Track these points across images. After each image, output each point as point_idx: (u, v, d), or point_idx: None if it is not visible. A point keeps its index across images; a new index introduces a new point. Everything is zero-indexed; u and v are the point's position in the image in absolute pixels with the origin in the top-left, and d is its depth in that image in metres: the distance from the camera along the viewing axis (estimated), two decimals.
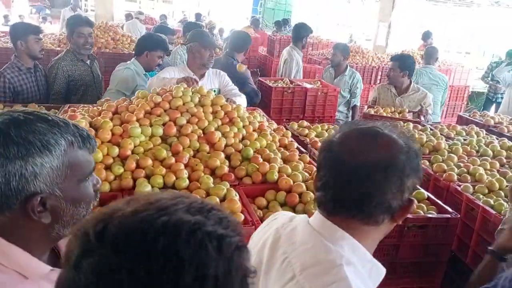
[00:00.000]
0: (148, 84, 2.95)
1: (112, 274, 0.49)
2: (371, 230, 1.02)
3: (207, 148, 2.28)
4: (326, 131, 3.13)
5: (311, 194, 1.99)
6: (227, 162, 2.22)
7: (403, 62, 4.05)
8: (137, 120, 2.28)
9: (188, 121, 2.38)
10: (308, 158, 2.46)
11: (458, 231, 2.22)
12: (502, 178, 2.32)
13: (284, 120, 4.33)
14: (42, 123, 0.90)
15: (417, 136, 2.94)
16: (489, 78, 7.40)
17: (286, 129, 3.07)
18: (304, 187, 2.04)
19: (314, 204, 1.94)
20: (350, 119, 4.75)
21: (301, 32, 5.23)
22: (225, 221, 0.57)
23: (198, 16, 11.60)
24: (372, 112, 3.84)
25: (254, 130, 2.60)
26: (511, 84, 4.97)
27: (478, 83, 8.78)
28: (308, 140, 2.90)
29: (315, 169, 2.28)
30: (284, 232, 1.10)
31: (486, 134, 3.29)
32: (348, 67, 4.85)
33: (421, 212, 1.99)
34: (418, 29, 9.32)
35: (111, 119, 2.29)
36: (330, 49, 7.59)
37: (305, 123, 3.25)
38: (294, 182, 2.06)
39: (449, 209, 2.01)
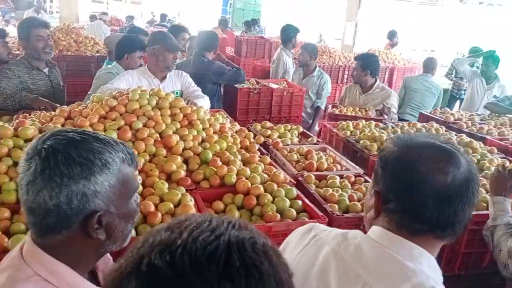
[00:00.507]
0: (98, 91, 2.87)
1: None
2: (441, 242, 1.03)
3: (164, 152, 2.23)
4: (289, 131, 3.12)
5: (269, 196, 1.97)
6: (184, 166, 2.18)
7: (365, 62, 4.11)
8: (91, 125, 2.20)
9: (144, 125, 2.32)
10: (268, 160, 2.44)
11: None
12: None
13: (251, 121, 4.32)
14: (97, 142, 0.93)
15: (377, 134, 2.97)
16: (453, 75, 7.60)
17: (249, 130, 3.06)
18: (262, 189, 2.01)
19: (272, 206, 1.92)
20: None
21: (289, 33, 5.30)
22: (260, 232, 0.62)
23: (163, 16, 11.46)
24: (337, 112, 3.87)
25: (214, 132, 2.57)
26: (472, 79, 5.10)
27: (443, 80, 9.01)
28: (270, 141, 2.88)
29: (274, 170, 2.27)
30: (346, 253, 1.01)
31: (445, 130, 3.36)
32: (317, 68, 4.85)
33: None
34: (385, 28, 9.47)
35: (63, 125, 2.21)
36: (298, 49, 7.65)
37: (268, 124, 3.23)
38: (252, 185, 2.04)
39: None
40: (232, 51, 7.44)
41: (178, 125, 2.43)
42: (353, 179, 2.35)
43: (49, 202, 0.87)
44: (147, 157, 2.16)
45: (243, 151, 2.49)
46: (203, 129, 2.54)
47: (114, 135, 2.17)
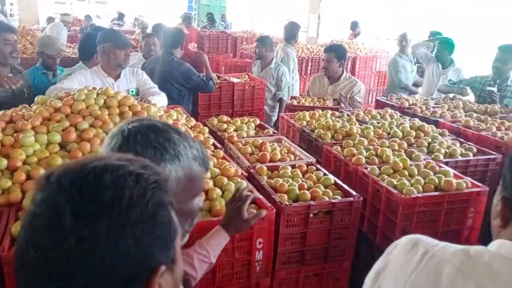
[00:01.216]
0: (46, 93, 2.79)
1: (55, 202, 0.60)
2: None
3: None
4: (246, 124, 3.11)
5: (217, 190, 1.96)
6: None
7: (339, 52, 4.13)
8: (33, 128, 2.13)
9: (91, 125, 2.26)
10: (221, 154, 2.43)
11: (368, 213, 2.28)
12: (406, 158, 2.41)
13: (214, 116, 4.29)
14: (176, 134, 0.98)
15: (331, 123, 2.99)
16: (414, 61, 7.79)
17: (205, 125, 3.04)
18: (211, 183, 2.00)
19: (220, 200, 1.91)
20: (277, 112, 4.79)
21: (292, 30, 5.47)
22: (149, 167, 0.66)
23: (121, 16, 11.23)
24: (295, 103, 3.88)
25: None
26: (429, 64, 5.21)
27: None
28: (226, 135, 2.87)
29: (226, 163, 2.26)
30: (476, 273, 0.87)
31: (400, 116, 3.42)
32: (274, 59, 4.87)
33: (326, 197, 2.02)
34: (348, 19, 9.56)
35: (4, 129, 2.13)
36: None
37: (225, 118, 3.20)
38: None
39: (353, 193, 2.06)
40: (195, 47, 7.36)
41: None
42: (305, 168, 2.36)
43: None
44: None
45: None
46: None
47: (58, 137, 2.11)
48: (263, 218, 1.80)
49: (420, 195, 2.06)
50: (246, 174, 2.22)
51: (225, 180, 2.05)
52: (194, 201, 1.02)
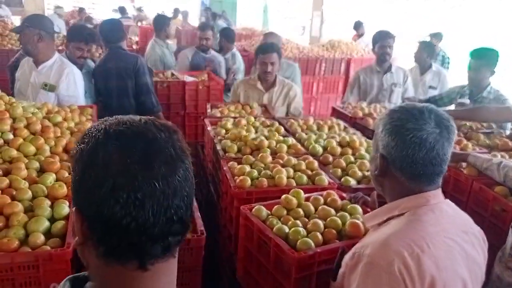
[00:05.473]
0: None
1: None
2: None
3: None
4: None
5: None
6: None
7: (280, 52, 3.60)
8: None
9: None
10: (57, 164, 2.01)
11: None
12: (299, 191, 1.85)
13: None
14: None
15: (244, 133, 2.51)
16: None
17: None
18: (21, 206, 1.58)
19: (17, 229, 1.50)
20: None
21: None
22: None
23: (121, 9, 10.93)
24: (218, 114, 3.29)
25: (33, 133, 2.20)
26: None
27: None
28: None
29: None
30: None
31: (344, 128, 2.92)
32: (234, 49, 5.14)
33: None
34: (357, 17, 8.93)
35: None
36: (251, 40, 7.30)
37: None
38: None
39: (200, 228, 1.59)
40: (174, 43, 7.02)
41: None
42: None
43: None
44: None
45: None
46: (15, 128, 2.16)
47: None
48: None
49: (319, 249, 1.45)
50: None
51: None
52: None
